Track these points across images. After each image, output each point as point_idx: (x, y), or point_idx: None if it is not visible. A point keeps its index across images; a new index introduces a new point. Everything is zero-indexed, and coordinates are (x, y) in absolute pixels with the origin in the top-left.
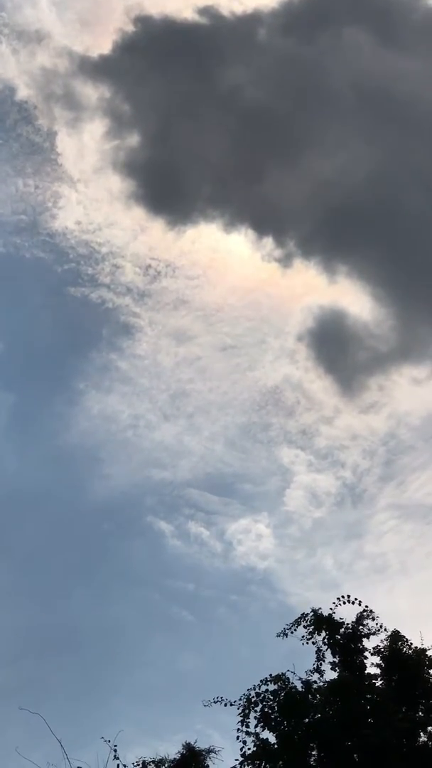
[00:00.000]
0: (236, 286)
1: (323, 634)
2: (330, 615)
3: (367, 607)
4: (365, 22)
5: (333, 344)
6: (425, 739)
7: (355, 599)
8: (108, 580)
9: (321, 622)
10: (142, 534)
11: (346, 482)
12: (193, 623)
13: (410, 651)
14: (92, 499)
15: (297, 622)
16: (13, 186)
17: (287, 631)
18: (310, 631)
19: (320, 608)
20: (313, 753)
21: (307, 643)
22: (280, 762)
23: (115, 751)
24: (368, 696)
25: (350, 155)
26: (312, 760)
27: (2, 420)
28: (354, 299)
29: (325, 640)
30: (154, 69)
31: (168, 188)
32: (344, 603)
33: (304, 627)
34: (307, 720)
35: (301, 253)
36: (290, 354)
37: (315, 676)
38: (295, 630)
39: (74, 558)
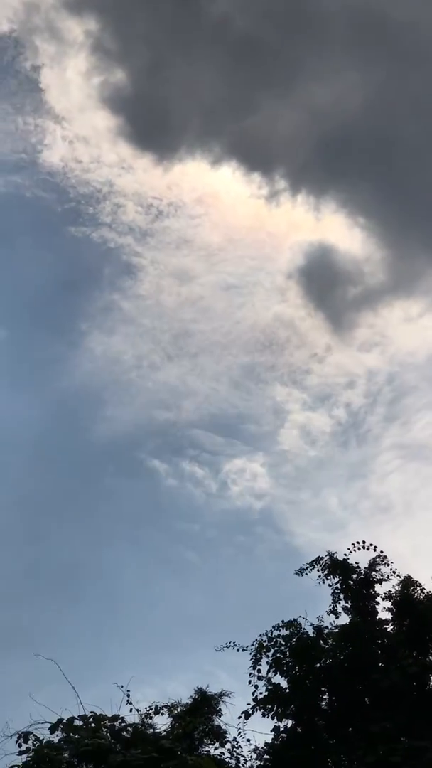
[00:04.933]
0: (230, 224)
1: (337, 578)
2: (345, 560)
3: (381, 552)
4: None
5: (323, 281)
6: None
7: (371, 545)
8: (110, 522)
9: (336, 566)
10: (145, 476)
11: (341, 421)
12: (199, 564)
13: (422, 596)
14: (94, 441)
15: (312, 565)
16: (12, 124)
17: (303, 572)
18: (326, 574)
19: (335, 552)
20: (324, 697)
21: (323, 584)
22: (292, 706)
23: (128, 696)
24: (379, 641)
25: (344, 83)
26: (323, 704)
27: (11, 368)
28: (345, 234)
29: (339, 585)
30: (139, 2)
31: (156, 124)
32: (359, 549)
33: (318, 570)
34: (318, 665)
35: (292, 188)
36: (281, 292)
37: (327, 621)
38: (310, 572)
39: (75, 501)
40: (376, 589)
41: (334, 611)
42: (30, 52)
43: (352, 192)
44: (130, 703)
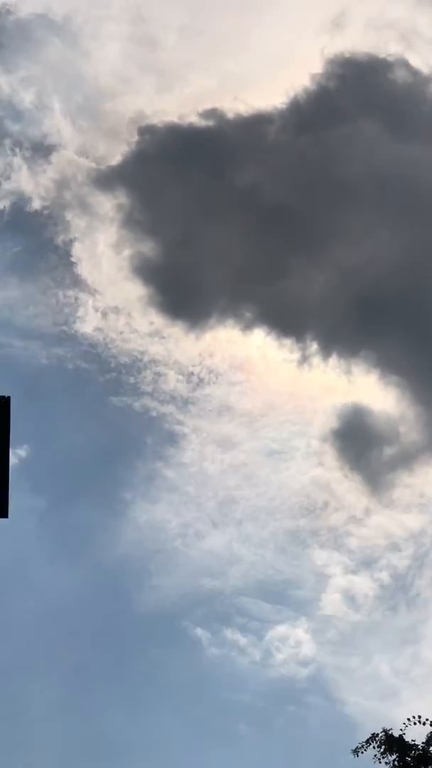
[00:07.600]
0: (268, 389)
1: (394, 755)
2: (401, 736)
3: None
4: (375, 114)
5: (357, 443)
6: None
7: (426, 719)
8: (155, 694)
9: (392, 743)
10: (192, 645)
11: (384, 584)
12: (249, 736)
13: None
14: (139, 612)
15: (368, 743)
16: (53, 298)
17: (358, 751)
18: (381, 752)
19: (390, 729)
20: None
21: (380, 762)
22: None
23: None
24: None
25: (374, 243)
26: None
27: (55, 539)
28: (378, 393)
29: (396, 762)
30: (167, 175)
31: (186, 292)
32: (415, 723)
33: (374, 748)
34: None
35: (323, 351)
36: (318, 455)
37: None
38: (365, 750)
39: (120, 673)
40: None
41: None
42: (61, 227)
43: (383, 351)
44: None
